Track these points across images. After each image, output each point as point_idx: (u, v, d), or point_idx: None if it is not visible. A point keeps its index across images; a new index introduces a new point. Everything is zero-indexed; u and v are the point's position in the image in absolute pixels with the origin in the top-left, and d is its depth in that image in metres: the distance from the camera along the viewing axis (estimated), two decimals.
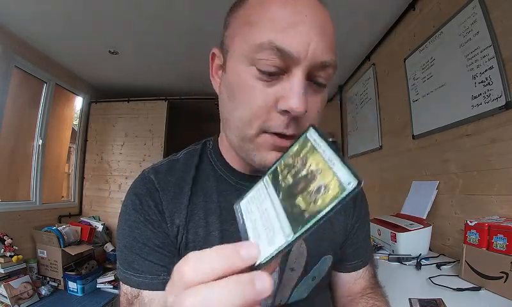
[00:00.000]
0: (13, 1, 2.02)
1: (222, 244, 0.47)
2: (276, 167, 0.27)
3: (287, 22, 0.37)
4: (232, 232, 0.49)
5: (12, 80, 2.49)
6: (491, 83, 1.19)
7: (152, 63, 3.02)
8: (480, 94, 1.24)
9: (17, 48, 2.48)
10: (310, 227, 0.21)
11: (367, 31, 2.22)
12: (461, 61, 1.35)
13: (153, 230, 0.47)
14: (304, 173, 0.24)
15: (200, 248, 0.47)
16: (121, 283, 0.49)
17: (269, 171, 0.28)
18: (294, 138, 0.41)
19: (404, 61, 1.87)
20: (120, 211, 0.51)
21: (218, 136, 0.56)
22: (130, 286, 0.47)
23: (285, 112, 0.39)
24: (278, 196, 0.25)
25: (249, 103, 0.40)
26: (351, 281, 0.61)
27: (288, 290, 0.52)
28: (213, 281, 0.20)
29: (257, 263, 0.22)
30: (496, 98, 1.16)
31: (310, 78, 0.40)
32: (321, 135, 0.25)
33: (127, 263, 0.47)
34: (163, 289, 0.44)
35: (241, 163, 0.51)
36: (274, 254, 0.22)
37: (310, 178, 0.23)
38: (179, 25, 2.26)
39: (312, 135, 0.26)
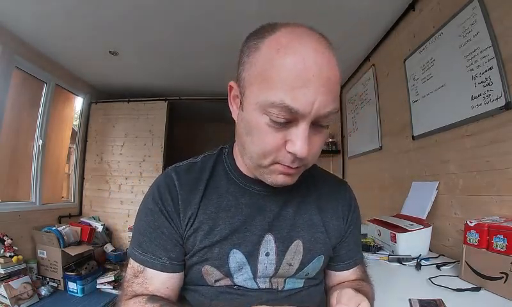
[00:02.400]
0: (13, 1, 2.02)
1: (229, 234, 0.57)
2: None
3: (296, 83, 0.43)
4: (238, 225, 0.56)
5: (12, 80, 2.50)
6: (491, 83, 1.19)
7: (152, 63, 3.02)
8: (480, 94, 1.24)
9: (17, 48, 2.48)
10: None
11: (367, 31, 2.22)
12: (460, 62, 1.35)
13: (164, 220, 0.56)
14: None
15: (208, 237, 0.55)
16: (130, 259, 0.58)
17: None
18: (298, 169, 0.51)
19: (404, 62, 1.87)
20: (142, 199, 0.61)
21: (234, 144, 0.65)
22: (136, 262, 0.56)
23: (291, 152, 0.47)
24: None
25: (263, 143, 0.48)
26: (343, 277, 0.68)
27: (282, 279, 0.59)
28: None
29: None
30: (496, 99, 1.16)
31: (314, 123, 0.47)
32: None
33: (137, 243, 0.57)
34: (161, 270, 0.55)
35: (250, 171, 0.58)
36: None
37: None
38: (179, 25, 2.27)
39: None
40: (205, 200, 0.58)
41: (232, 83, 0.55)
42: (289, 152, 0.47)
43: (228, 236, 0.56)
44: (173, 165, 0.63)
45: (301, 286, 0.61)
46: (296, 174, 0.52)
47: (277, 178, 0.51)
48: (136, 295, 0.55)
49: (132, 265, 0.57)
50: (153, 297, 0.53)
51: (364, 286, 0.63)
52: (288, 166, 0.49)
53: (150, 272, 0.55)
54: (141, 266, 0.56)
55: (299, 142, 0.45)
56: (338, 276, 0.67)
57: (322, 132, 0.50)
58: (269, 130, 0.46)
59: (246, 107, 0.49)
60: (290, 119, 0.45)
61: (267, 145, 0.47)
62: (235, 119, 0.55)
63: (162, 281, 0.55)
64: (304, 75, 0.42)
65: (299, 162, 0.49)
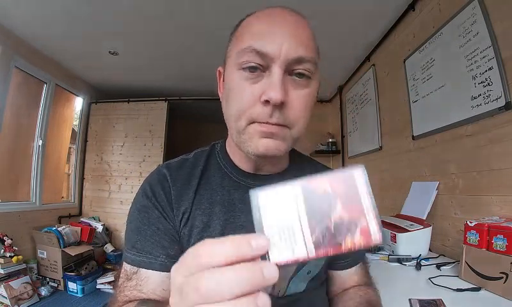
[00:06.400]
0: (13, 1, 2.02)
1: (224, 231, 0.51)
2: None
3: (263, 31, 0.46)
4: (233, 222, 0.54)
5: (12, 80, 2.50)
6: (490, 84, 1.19)
7: (152, 63, 3.02)
8: (480, 94, 1.24)
9: (17, 48, 2.48)
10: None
11: (367, 31, 2.22)
12: (460, 62, 1.36)
13: (159, 215, 0.53)
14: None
15: (203, 234, 0.52)
16: (123, 263, 0.53)
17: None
18: (279, 126, 0.47)
19: (404, 62, 1.87)
20: (132, 200, 0.57)
21: (226, 139, 0.63)
22: (131, 265, 0.52)
23: (266, 102, 0.44)
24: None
25: (238, 100, 0.47)
26: (345, 278, 0.64)
27: (285, 282, 0.56)
28: (225, 266, 0.23)
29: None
30: (496, 99, 1.16)
31: (290, 73, 0.47)
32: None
33: (131, 244, 0.52)
34: (160, 270, 0.50)
35: (244, 162, 0.57)
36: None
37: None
38: (179, 25, 2.27)
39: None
40: (198, 195, 0.55)
41: (220, 68, 0.55)
42: (265, 101, 0.44)
43: (224, 233, 0.52)
44: (165, 163, 0.60)
45: (303, 289, 0.58)
46: (277, 135, 0.47)
47: (258, 143, 0.47)
48: (130, 301, 0.49)
49: (125, 268, 0.52)
50: (145, 302, 0.48)
51: (372, 297, 0.59)
52: (266, 123, 0.46)
53: (145, 272, 0.50)
54: (135, 267, 0.51)
55: (272, 85, 0.44)
56: (340, 276, 0.64)
57: (303, 87, 0.48)
58: (244, 85, 0.46)
59: (226, 75, 0.51)
60: (261, 64, 0.45)
61: (241, 100, 0.47)
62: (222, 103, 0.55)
63: (159, 282, 0.50)
64: (271, 25, 0.46)
65: (278, 115, 0.45)
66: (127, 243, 0.54)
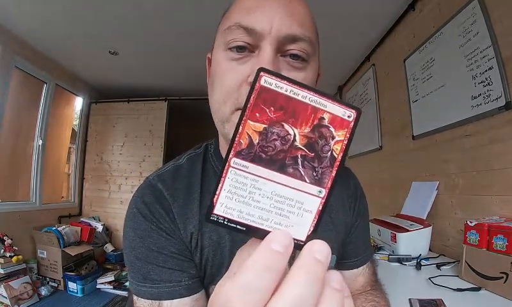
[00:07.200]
0: (13, 1, 2.02)
1: (233, 247, 0.46)
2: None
3: (251, 7, 0.41)
4: (240, 236, 0.49)
5: (12, 80, 2.50)
6: (491, 83, 1.19)
7: (152, 63, 3.02)
8: (480, 94, 1.24)
9: (17, 48, 2.48)
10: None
11: (367, 31, 2.22)
12: (460, 62, 1.35)
13: (167, 237, 0.46)
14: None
15: (214, 253, 0.47)
16: (135, 297, 0.46)
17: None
18: None
19: (404, 62, 1.87)
20: (124, 222, 0.49)
21: (218, 139, 0.57)
22: (149, 299, 0.45)
23: None
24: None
25: (222, 83, 0.42)
26: (351, 279, 0.60)
27: None
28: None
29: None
30: (496, 99, 1.16)
31: (282, 53, 0.41)
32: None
33: (141, 275, 0.45)
34: (186, 294, 0.44)
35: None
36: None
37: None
38: (179, 25, 2.27)
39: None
40: (203, 210, 0.48)
41: (208, 54, 0.50)
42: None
43: (232, 249, 0.47)
44: (155, 173, 0.52)
45: None
46: None
47: None
48: None
49: (143, 305, 0.45)
50: None
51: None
52: None
53: (169, 304, 0.44)
54: (155, 301, 0.44)
55: (261, 64, 0.37)
56: (345, 276, 0.59)
57: (298, 70, 0.42)
58: (230, 66, 0.41)
59: (212, 59, 0.46)
60: (250, 43, 0.40)
61: (225, 83, 0.41)
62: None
63: None
64: (261, 1, 0.41)
65: None
66: (134, 274, 0.46)
